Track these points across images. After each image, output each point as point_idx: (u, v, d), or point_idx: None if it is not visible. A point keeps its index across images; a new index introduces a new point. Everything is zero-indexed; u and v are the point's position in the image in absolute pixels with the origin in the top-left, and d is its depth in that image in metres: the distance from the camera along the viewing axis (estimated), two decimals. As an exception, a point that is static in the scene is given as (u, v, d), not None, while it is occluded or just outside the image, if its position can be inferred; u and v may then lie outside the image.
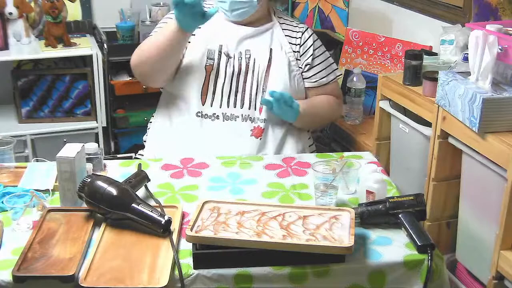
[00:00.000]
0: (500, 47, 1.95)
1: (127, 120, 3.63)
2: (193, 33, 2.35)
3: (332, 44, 3.44)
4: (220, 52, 2.34)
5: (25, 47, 3.42)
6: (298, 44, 2.42)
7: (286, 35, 2.42)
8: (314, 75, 2.44)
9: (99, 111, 3.51)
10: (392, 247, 1.67)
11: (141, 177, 1.92)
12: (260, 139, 2.32)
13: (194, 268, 1.57)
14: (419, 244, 1.64)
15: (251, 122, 2.33)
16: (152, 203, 1.82)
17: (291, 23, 2.47)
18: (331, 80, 2.49)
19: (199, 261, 1.57)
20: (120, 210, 1.69)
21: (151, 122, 2.50)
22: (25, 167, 2.06)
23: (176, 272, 1.55)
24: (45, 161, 2.13)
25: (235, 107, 2.33)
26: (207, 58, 2.33)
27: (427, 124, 2.31)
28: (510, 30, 2.03)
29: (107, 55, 3.46)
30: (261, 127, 2.33)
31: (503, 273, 1.92)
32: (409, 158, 2.50)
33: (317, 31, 3.49)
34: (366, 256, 1.63)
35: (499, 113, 1.94)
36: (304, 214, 1.70)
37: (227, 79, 2.33)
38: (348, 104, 2.98)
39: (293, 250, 1.56)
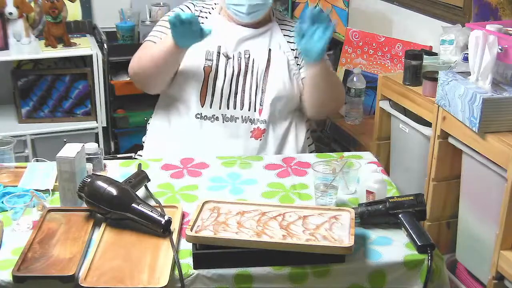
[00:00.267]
0: (500, 47, 1.95)
1: (127, 120, 3.64)
2: None
3: (332, 44, 3.43)
4: (219, 53, 2.34)
5: (25, 47, 3.43)
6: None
7: (284, 35, 2.41)
8: None
9: (99, 111, 3.51)
10: (392, 247, 1.67)
11: (141, 177, 1.92)
12: (260, 140, 2.32)
13: (194, 268, 1.57)
14: (419, 244, 1.64)
15: (251, 124, 2.32)
16: (152, 203, 1.81)
17: (289, 23, 2.46)
18: None
19: (199, 261, 1.57)
20: (120, 210, 1.69)
21: (149, 123, 2.49)
22: (25, 167, 2.06)
23: (176, 272, 1.55)
24: (45, 161, 2.13)
25: (234, 108, 2.32)
26: (206, 59, 2.33)
27: (427, 124, 2.31)
28: (510, 30, 2.03)
29: (107, 55, 3.46)
30: (261, 128, 2.32)
31: (503, 273, 1.93)
32: (409, 158, 2.50)
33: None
34: (366, 256, 1.63)
35: (499, 113, 1.94)
36: (304, 214, 1.70)
37: (227, 80, 2.32)
38: (348, 104, 2.98)
39: (293, 250, 1.56)
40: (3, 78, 3.60)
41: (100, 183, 1.72)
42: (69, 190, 1.81)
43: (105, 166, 2.09)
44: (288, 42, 2.40)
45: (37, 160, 2.14)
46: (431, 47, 2.84)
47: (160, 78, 2.33)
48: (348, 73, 3.19)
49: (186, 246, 1.63)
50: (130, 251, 1.62)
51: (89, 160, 1.97)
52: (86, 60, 3.58)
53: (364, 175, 1.90)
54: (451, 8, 2.75)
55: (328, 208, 1.75)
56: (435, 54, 2.68)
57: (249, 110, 2.32)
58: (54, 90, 3.51)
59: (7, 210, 1.79)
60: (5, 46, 3.38)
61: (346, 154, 2.28)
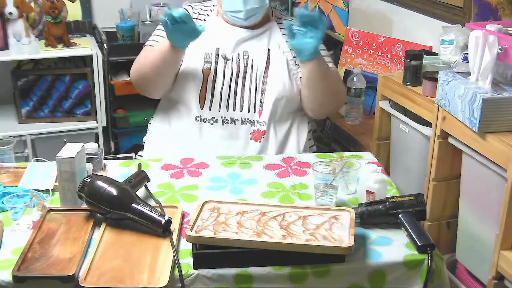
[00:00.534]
0: (500, 47, 1.95)
1: (127, 120, 3.64)
2: None
3: (332, 44, 3.44)
4: (217, 55, 2.33)
5: (25, 47, 3.43)
6: None
7: (284, 34, 2.39)
8: None
9: (99, 111, 3.51)
10: (392, 247, 1.67)
11: (141, 177, 1.92)
12: (260, 142, 2.31)
13: (194, 268, 1.57)
14: (419, 244, 1.64)
15: (251, 126, 2.31)
16: (152, 203, 1.81)
17: (288, 21, 2.44)
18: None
19: (199, 261, 1.57)
20: (120, 210, 1.69)
21: (150, 123, 2.49)
22: (25, 167, 2.06)
23: (176, 272, 1.55)
24: (45, 161, 2.13)
25: (234, 110, 2.31)
26: (204, 61, 2.32)
27: (427, 124, 2.31)
28: (510, 30, 2.03)
29: (107, 55, 3.46)
30: (261, 130, 2.31)
31: (503, 273, 1.92)
32: (409, 158, 2.50)
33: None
34: (366, 256, 1.63)
35: (499, 113, 1.94)
36: (304, 214, 1.70)
37: (226, 82, 2.31)
38: (348, 104, 2.98)
39: (293, 250, 1.56)
40: (3, 78, 3.60)
41: (100, 183, 1.72)
42: (69, 190, 1.81)
43: (105, 166, 2.09)
44: (287, 41, 2.38)
45: (37, 160, 2.14)
46: (431, 47, 2.84)
47: (161, 82, 2.33)
48: (348, 73, 3.19)
49: (186, 246, 1.63)
50: (130, 251, 1.62)
51: (89, 160, 1.97)
52: (86, 60, 3.58)
53: (364, 175, 1.90)
54: (451, 8, 2.75)
55: (328, 208, 1.75)
56: (435, 54, 2.68)
57: (248, 112, 2.31)
58: (54, 90, 3.51)
59: (7, 210, 1.79)
60: (5, 46, 3.38)
61: (346, 154, 2.28)
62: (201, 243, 1.58)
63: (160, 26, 2.44)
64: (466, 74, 2.09)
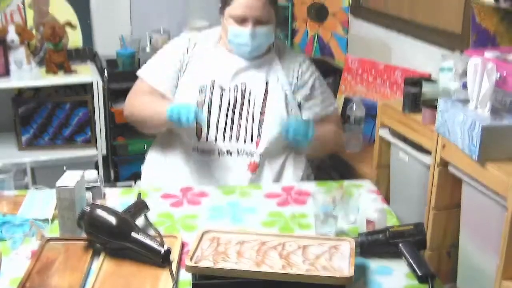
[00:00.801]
0: (498, 75, 1.96)
1: (127, 148, 3.63)
2: (185, 69, 2.37)
3: (331, 72, 3.45)
4: (213, 86, 2.32)
5: (26, 73, 3.45)
6: (296, 77, 2.39)
7: (283, 68, 2.39)
8: (313, 106, 2.41)
9: (99, 138, 3.51)
10: (392, 277, 1.66)
11: (140, 207, 1.91)
12: (255, 173, 2.30)
13: (194, 299, 1.56)
14: (419, 273, 1.63)
15: (247, 157, 2.30)
16: (152, 232, 1.81)
17: (289, 55, 2.44)
18: (331, 111, 2.48)
19: (199, 291, 1.57)
20: (120, 239, 1.68)
21: (148, 153, 2.50)
22: (25, 195, 2.06)
23: (175, 302, 1.54)
24: (45, 189, 2.13)
25: (230, 141, 2.30)
26: (199, 92, 2.31)
27: (427, 152, 2.31)
28: (508, 58, 2.03)
29: (107, 82, 3.48)
30: (257, 161, 2.30)
31: (504, 303, 1.91)
32: (409, 187, 2.50)
33: (316, 59, 3.52)
34: (366, 286, 1.62)
35: (499, 140, 1.94)
36: (304, 243, 1.70)
37: (222, 112, 2.31)
38: (348, 132, 2.97)
39: (293, 280, 1.55)
40: (4, 105, 3.61)
41: (99, 212, 1.72)
42: (68, 219, 1.81)
43: (104, 194, 2.09)
44: (286, 75, 2.38)
45: (36, 188, 2.14)
46: (430, 74, 2.85)
47: (153, 130, 2.43)
48: (347, 100, 3.19)
49: (185, 276, 1.63)
50: (129, 281, 1.61)
51: (88, 188, 1.97)
52: (86, 87, 3.59)
53: (364, 204, 1.90)
54: (449, 35, 2.77)
55: (328, 238, 1.74)
56: (434, 81, 2.68)
57: (245, 143, 2.30)
58: (54, 118, 3.52)
59: (6, 240, 1.79)
60: (6, 73, 3.39)
61: (346, 182, 2.28)
62: (201, 273, 1.58)
63: (158, 55, 2.45)
64: (465, 101, 2.09)
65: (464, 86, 2.25)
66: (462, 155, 2.04)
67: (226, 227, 1.88)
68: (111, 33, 3.80)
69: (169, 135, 2.39)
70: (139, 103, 2.37)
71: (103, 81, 3.48)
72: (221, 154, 2.30)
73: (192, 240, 1.72)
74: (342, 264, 1.60)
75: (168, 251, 1.66)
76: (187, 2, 3.95)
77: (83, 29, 3.76)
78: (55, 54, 3.43)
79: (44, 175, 3.40)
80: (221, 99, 2.31)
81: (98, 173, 2.09)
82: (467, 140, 1.99)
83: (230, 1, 2.28)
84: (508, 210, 1.84)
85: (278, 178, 2.34)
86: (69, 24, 3.48)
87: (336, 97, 3.26)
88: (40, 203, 1.99)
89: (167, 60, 2.40)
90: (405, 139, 2.46)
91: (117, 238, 1.69)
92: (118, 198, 2.09)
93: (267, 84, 2.35)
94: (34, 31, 3.55)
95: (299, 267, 1.58)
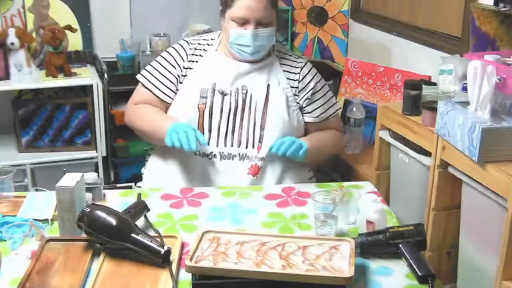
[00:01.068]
0: (498, 77, 1.96)
1: (127, 150, 3.63)
2: (185, 74, 2.37)
3: (331, 74, 3.46)
4: (213, 90, 2.33)
5: (26, 76, 3.44)
6: (297, 80, 2.39)
7: (284, 70, 2.39)
8: (314, 110, 2.41)
9: (99, 140, 3.51)
10: (392, 277, 1.66)
11: (140, 207, 1.92)
12: (257, 177, 2.30)
13: (194, 299, 1.56)
14: (419, 274, 1.63)
15: (248, 161, 2.30)
16: (152, 233, 1.81)
17: (289, 58, 2.44)
18: (331, 115, 2.47)
19: (199, 291, 1.57)
20: (119, 240, 1.68)
21: (149, 154, 2.49)
22: (25, 197, 2.05)
23: (175, 302, 1.54)
24: (45, 190, 2.13)
25: (232, 146, 2.29)
26: (200, 97, 2.31)
27: (427, 153, 2.31)
28: (508, 60, 2.04)
29: (107, 84, 3.47)
30: (258, 165, 2.29)
31: (504, 304, 1.91)
32: (409, 188, 2.50)
33: (316, 61, 3.52)
34: (366, 286, 1.62)
35: (498, 142, 1.95)
36: (304, 244, 1.70)
37: (223, 117, 2.30)
38: (348, 134, 2.98)
39: (293, 281, 1.55)
40: (3, 108, 3.61)
41: (99, 213, 1.71)
42: (68, 219, 1.81)
43: (104, 196, 2.09)
44: (287, 78, 2.38)
45: (36, 190, 2.14)
46: (430, 77, 2.85)
47: (151, 142, 2.45)
48: (347, 103, 3.19)
49: (185, 277, 1.62)
50: (129, 281, 1.61)
51: (88, 189, 1.97)
52: (86, 90, 3.59)
53: (364, 205, 1.90)
54: (449, 38, 2.77)
55: (328, 238, 1.74)
56: (434, 84, 2.69)
57: (246, 148, 2.30)
58: (54, 120, 3.52)
59: (5, 240, 1.78)
60: (6, 76, 3.39)
61: (346, 184, 2.28)
62: (201, 274, 1.58)
63: (159, 58, 2.44)
64: (465, 104, 2.09)
65: (464, 88, 2.26)
66: (462, 156, 2.04)
67: (226, 228, 1.88)
68: (111, 36, 3.80)
69: None
70: (139, 115, 2.39)
71: (103, 83, 3.48)
72: (222, 158, 2.30)
73: (192, 240, 1.72)
74: (342, 264, 1.60)
75: (168, 252, 1.66)
76: (187, 5, 3.95)
77: (83, 32, 3.76)
78: (55, 57, 3.43)
79: (44, 177, 3.39)
80: (222, 103, 2.31)
81: (98, 175, 2.09)
82: (467, 142, 1.99)
83: (231, 4, 2.28)
84: (508, 211, 1.84)
85: (279, 182, 2.32)
86: (69, 28, 3.48)
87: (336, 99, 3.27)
88: (40, 204, 1.99)
89: (167, 65, 2.40)
90: (405, 141, 2.46)
91: (117, 239, 1.69)
92: (118, 199, 2.09)
93: (268, 87, 2.34)
94: (34, 34, 3.55)
95: (299, 267, 1.58)
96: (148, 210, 1.93)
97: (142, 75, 2.44)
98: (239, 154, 2.30)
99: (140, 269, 1.66)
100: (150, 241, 1.67)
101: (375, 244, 1.73)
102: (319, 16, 3.75)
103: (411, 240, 1.72)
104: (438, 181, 2.23)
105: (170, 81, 2.38)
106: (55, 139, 3.55)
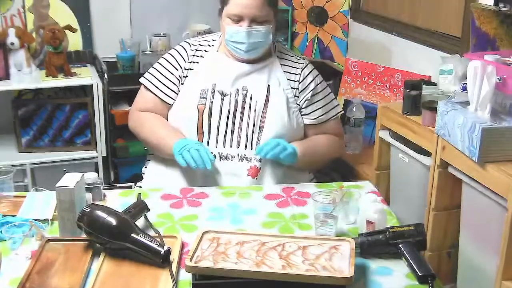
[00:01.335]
0: (498, 77, 1.96)
1: (127, 150, 3.63)
2: (186, 75, 2.37)
3: (331, 74, 3.46)
4: (213, 90, 2.33)
5: (26, 76, 3.44)
6: (297, 81, 2.38)
7: (284, 71, 2.38)
8: (313, 111, 2.40)
9: (99, 140, 3.51)
10: (392, 277, 1.66)
11: (140, 207, 1.91)
12: (256, 179, 2.29)
13: (194, 299, 1.56)
14: (419, 274, 1.63)
15: (248, 162, 2.29)
16: (152, 233, 1.81)
17: (290, 59, 2.43)
18: (331, 117, 2.45)
19: (199, 291, 1.56)
20: (119, 240, 1.68)
21: (150, 154, 2.49)
22: (25, 197, 2.05)
23: (175, 302, 1.54)
24: (45, 190, 2.13)
25: (231, 146, 2.29)
26: (200, 97, 2.31)
27: (427, 153, 2.31)
28: (508, 60, 2.04)
29: (107, 84, 3.47)
30: (258, 167, 2.29)
31: (504, 304, 1.91)
32: (409, 188, 2.50)
33: (316, 61, 3.52)
34: (366, 286, 1.62)
35: (498, 142, 1.95)
36: (304, 244, 1.69)
37: (223, 118, 2.30)
38: (348, 134, 2.98)
39: (293, 281, 1.55)
40: (3, 108, 3.60)
41: (99, 213, 1.71)
42: (68, 219, 1.81)
43: (104, 196, 2.09)
44: (288, 79, 2.37)
45: (36, 190, 2.14)
46: (430, 77, 2.86)
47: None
48: (347, 103, 3.20)
49: (185, 277, 1.62)
50: (129, 281, 1.61)
51: (88, 189, 1.97)
52: (86, 90, 3.59)
53: (364, 205, 1.90)
54: (449, 38, 2.78)
55: (328, 238, 1.74)
56: (434, 84, 2.69)
57: (245, 149, 2.29)
58: (54, 120, 3.52)
59: (5, 240, 1.78)
60: (6, 76, 3.39)
61: (346, 184, 2.28)
62: (201, 274, 1.57)
63: (160, 62, 2.44)
64: (465, 104, 2.10)
65: (464, 88, 2.26)
66: (462, 156, 2.04)
67: (226, 228, 1.88)
68: (111, 36, 3.80)
69: None
70: (143, 123, 2.40)
71: (103, 83, 3.48)
72: (221, 158, 2.30)
73: (192, 240, 1.72)
74: (342, 264, 1.60)
75: (168, 252, 1.66)
76: (187, 5, 3.95)
77: (83, 32, 3.76)
78: (55, 57, 3.43)
79: (44, 177, 3.39)
80: (221, 103, 2.31)
81: (98, 175, 2.09)
82: (467, 142, 2.00)
83: (227, 1, 2.29)
84: (508, 211, 1.84)
85: (279, 183, 2.32)
86: (69, 28, 3.48)
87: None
88: (40, 204, 1.99)
89: (169, 67, 2.40)
90: (405, 141, 2.47)
91: (117, 239, 1.68)
92: (118, 199, 2.09)
93: (268, 88, 2.34)
94: (34, 34, 3.55)
95: (299, 268, 1.58)
96: (148, 210, 1.93)
97: (145, 78, 2.44)
98: (238, 154, 2.29)
99: (140, 269, 1.66)
100: (150, 241, 1.67)
101: (375, 244, 1.73)
102: (319, 16, 3.75)
103: (411, 240, 1.72)
104: (438, 181, 2.23)
105: (172, 83, 2.38)
106: (55, 139, 3.54)
